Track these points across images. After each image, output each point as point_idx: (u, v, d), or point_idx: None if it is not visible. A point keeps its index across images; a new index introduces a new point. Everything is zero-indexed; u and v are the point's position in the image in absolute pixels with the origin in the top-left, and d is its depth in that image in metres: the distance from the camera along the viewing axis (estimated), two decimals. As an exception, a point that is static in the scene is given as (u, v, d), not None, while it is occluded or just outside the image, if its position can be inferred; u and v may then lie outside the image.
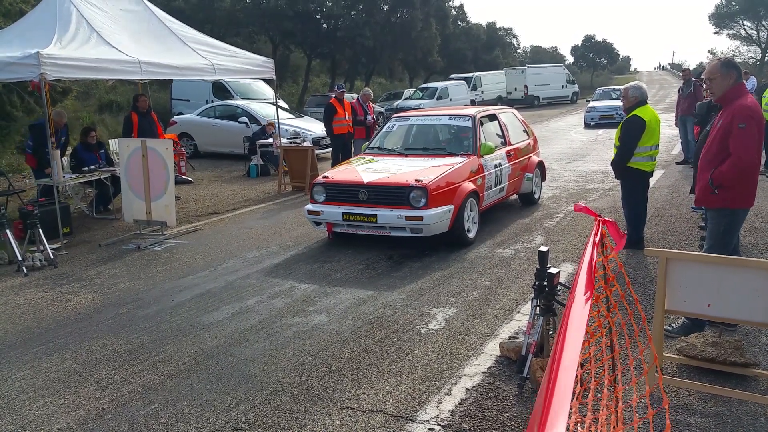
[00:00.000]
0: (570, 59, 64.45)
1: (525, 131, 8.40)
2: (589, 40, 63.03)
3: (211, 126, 14.54)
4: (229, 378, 3.67)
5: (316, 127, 13.79)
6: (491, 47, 47.29)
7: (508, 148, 7.52)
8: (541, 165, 8.45)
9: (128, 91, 21.32)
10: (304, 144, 11.21)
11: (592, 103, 21.28)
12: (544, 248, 3.54)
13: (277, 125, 11.55)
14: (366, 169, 6.47)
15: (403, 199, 5.88)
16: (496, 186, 7.06)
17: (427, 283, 5.24)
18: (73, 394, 3.57)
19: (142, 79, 9.66)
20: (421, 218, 5.78)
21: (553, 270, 3.59)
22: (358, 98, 11.18)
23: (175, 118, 15.60)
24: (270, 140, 12.04)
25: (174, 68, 8.87)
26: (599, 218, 3.32)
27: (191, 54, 9.27)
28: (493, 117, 7.68)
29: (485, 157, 6.78)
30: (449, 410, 3.22)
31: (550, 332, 3.52)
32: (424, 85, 28.95)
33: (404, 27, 31.31)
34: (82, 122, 16.06)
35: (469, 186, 6.32)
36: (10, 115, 12.47)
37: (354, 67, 33.89)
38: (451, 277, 5.37)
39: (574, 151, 14.09)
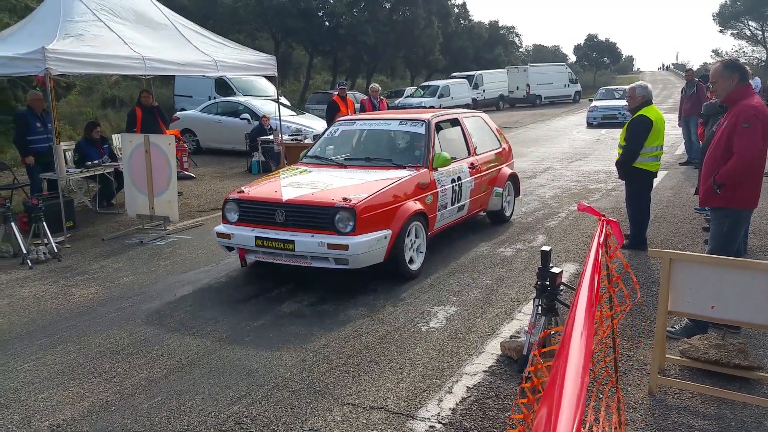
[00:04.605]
0: (572, 58, 64.39)
1: (496, 139, 7.39)
2: (591, 39, 62.96)
3: (213, 122, 14.56)
4: (231, 372, 3.68)
5: (317, 125, 13.80)
6: (493, 46, 47.21)
7: (471, 158, 6.46)
8: (513, 178, 7.38)
9: (131, 87, 21.35)
10: (306, 141, 11.23)
11: (594, 103, 21.27)
12: (546, 248, 3.55)
13: (278, 122, 11.56)
14: (291, 183, 5.35)
15: (327, 222, 4.81)
16: (453, 204, 6.01)
17: (428, 281, 5.26)
18: (77, 386, 3.59)
19: (145, 75, 9.69)
20: (345, 247, 4.66)
21: (555, 270, 3.60)
22: (369, 96, 11.18)
23: (178, 114, 15.60)
24: (271, 137, 12.06)
25: (177, 64, 8.88)
26: (603, 218, 3.34)
27: (194, 50, 9.28)
28: (455, 122, 6.63)
29: (440, 169, 5.74)
30: (450, 408, 3.24)
31: (552, 332, 3.53)
32: (426, 84, 28.96)
33: (406, 25, 31.28)
34: (86, 117, 16.07)
35: (415, 206, 5.26)
36: (14, 110, 12.48)
37: (356, 64, 33.87)
38: (452, 275, 5.38)
39: (577, 151, 14.09)
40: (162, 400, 3.40)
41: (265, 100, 15.50)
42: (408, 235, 5.21)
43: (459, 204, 6.13)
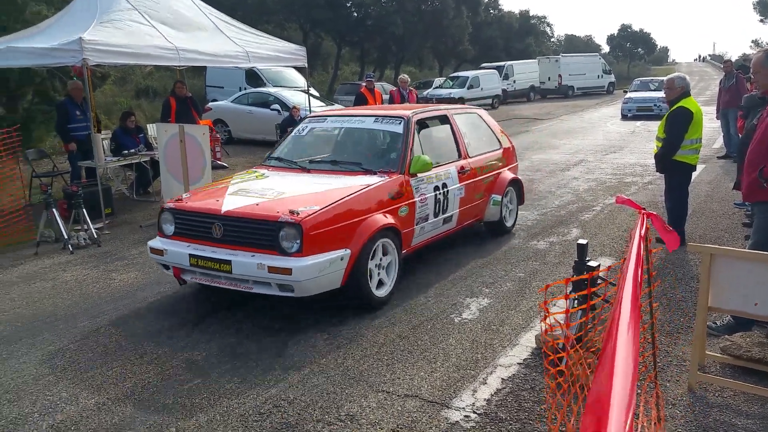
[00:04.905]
0: (605, 49, 63.21)
1: (495, 139, 6.47)
2: (625, 29, 61.66)
3: (244, 113, 14.71)
4: (267, 357, 3.75)
5: (347, 115, 13.83)
6: (524, 36, 46.54)
7: (462, 162, 5.64)
8: (516, 184, 6.48)
9: (164, 77, 21.67)
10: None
11: (629, 94, 20.83)
12: (583, 241, 3.51)
13: (308, 113, 11.62)
14: (239, 191, 4.60)
15: (271, 240, 4.02)
16: (437, 215, 5.22)
17: (460, 272, 5.25)
18: (120, 367, 3.71)
19: (179, 66, 9.83)
20: (288, 271, 3.88)
21: (593, 263, 3.56)
22: (398, 87, 11.15)
23: (210, 104, 15.81)
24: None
25: (210, 55, 9.00)
26: (643, 211, 3.29)
27: (226, 41, 9.38)
28: (443, 119, 5.82)
29: (419, 175, 4.96)
30: (485, 399, 3.25)
31: (589, 327, 3.50)
32: (455, 74, 28.71)
33: (435, 15, 31.03)
34: (120, 107, 16.40)
35: (383, 219, 4.46)
36: (53, 100, 12.80)
37: (383, 55, 33.78)
38: (484, 268, 5.37)
39: (611, 143, 13.85)
40: (202, 382, 3.49)
41: (295, 91, 15.60)
42: (373, 256, 4.40)
43: (445, 215, 5.33)
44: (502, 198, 6.12)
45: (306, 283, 3.98)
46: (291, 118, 12.49)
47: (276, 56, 10.25)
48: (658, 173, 6.07)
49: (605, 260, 5.38)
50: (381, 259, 4.54)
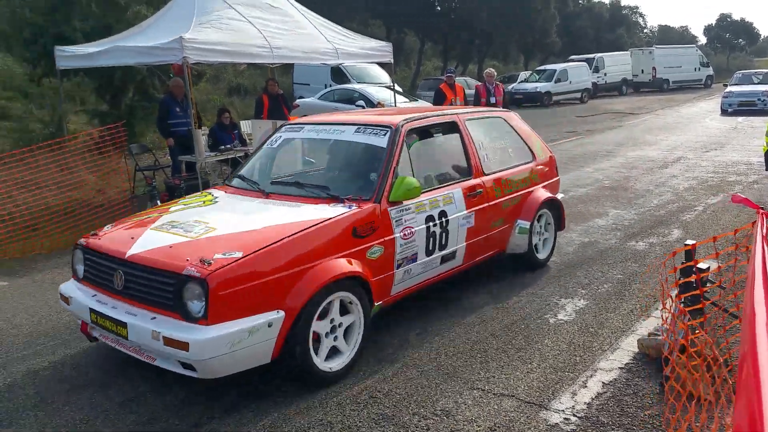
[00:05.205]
0: (702, 40, 59.33)
1: (526, 149, 5.21)
2: (724, 18, 57.62)
3: (330, 109, 15.01)
4: (361, 349, 3.81)
5: (431, 111, 13.81)
6: (615, 26, 44.53)
7: (472, 181, 4.43)
8: (553, 205, 5.23)
9: (254, 75, 22.52)
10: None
11: (730, 88, 19.47)
12: (690, 242, 3.34)
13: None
14: (166, 224, 3.62)
15: (173, 299, 3.02)
16: (431, 253, 4.04)
17: (552, 272, 5.11)
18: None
19: (272, 63, 10.18)
20: (185, 345, 2.87)
21: (702, 265, 3.37)
22: (484, 82, 10.96)
23: (297, 101, 16.28)
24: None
25: (301, 52, 9.25)
26: (762, 211, 3.06)
27: (318, 38, 9.60)
28: (451, 127, 4.60)
29: (405, 203, 3.81)
30: (585, 402, 3.15)
31: (696, 332, 3.31)
32: (542, 68, 27.90)
33: (522, 7, 30.29)
34: (214, 104, 17.22)
35: (338, 267, 3.36)
36: (152, 97, 13.64)
37: (467, 50, 33.40)
38: (578, 267, 5.19)
39: (711, 140, 12.99)
40: (299, 370, 3.60)
41: (379, 87, 15.75)
42: (323, 316, 3.36)
43: (444, 252, 4.15)
44: (532, 224, 4.94)
45: (211, 363, 2.92)
46: (376, 114, 12.68)
47: (364, 53, 10.39)
48: (766, 172, 5.62)
49: (710, 263, 5.04)
50: (334, 320, 3.43)
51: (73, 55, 9.13)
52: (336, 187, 3.94)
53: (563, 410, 3.09)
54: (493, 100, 10.53)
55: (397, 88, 15.48)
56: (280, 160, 4.68)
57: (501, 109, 6.19)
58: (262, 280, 3.07)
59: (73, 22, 12.28)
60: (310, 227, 3.38)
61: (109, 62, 8.71)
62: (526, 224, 4.90)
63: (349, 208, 3.62)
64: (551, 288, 4.76)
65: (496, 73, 11.49)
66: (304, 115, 15.75)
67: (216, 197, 4.18)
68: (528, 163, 5.14)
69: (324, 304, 3.33)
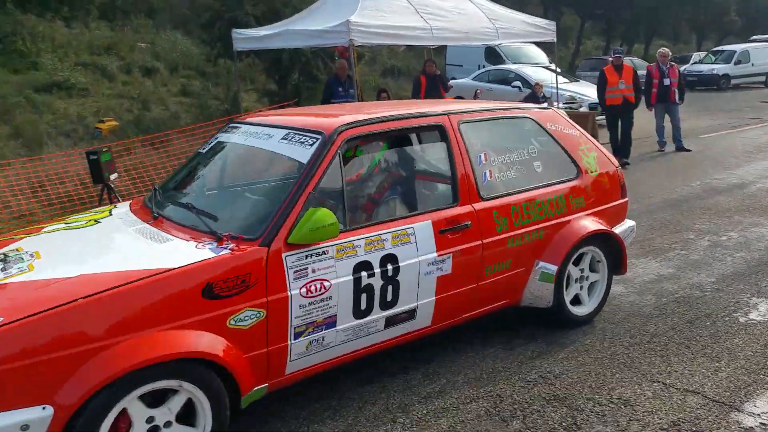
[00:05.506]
0: None
1: (568, 161, 3.77)
2: None
3: (484, 90, 14.83)
4: (532, 327, 3.79)
5: (591, 92, 13.04)
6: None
7: (454, 210, 3.20)
8: (603, 241, 3.80)
9: (408, 57, 22.92)
10: (581, 110, 10.73)
11: None
12: None
13: (555, 90, 11.27)
14: (11, 255, 2.82)
15: None
16: (366, 314, 2.90)
17: (740, 267, 4.66)
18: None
19: (432, 45, 10.29)
20: None
21: None
22: (657, 62, 10.07)
23: (451, 82, 16.29)
24: (545, 105, 11.82)
25: (461, 33, 9.23)
26: None
27: (480, 18, 9.50)
28: (434, 133, 3.36)
29: (316, 245, 2.70)
30: (787, 410, 2.86)
31: None
32: (718, 48, 25.01)
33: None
34: (370, 85, 17.85)
35: (166, 346, 2.34)
36: (316, 78, 14.48)
37: (631, 28, 30.96)
38: (772, 265, 4.68)
39: None
40: (470, 348, 3.67)
41: (537, 67, 15.23)
42: (141, 418, 2.35)
43: (389, 312, 2.98)
44: (563, 268, 3.59)
45: None
46: (534, 95, 12.25)
47: (525, 32, 10.13)
48: None
49: None
50: (168, 417, 2.42)
51: (248, 37, 9.96)
52: (226, 217, 2.93)
53: (760, 414, 2.84)
54: (667, 81, 9.74)
55: (554, 68, 14.88)
56: (205, 169, 3.58)
57: (531, 105, 4.61)
58: (22, 362, 2.12)
59: (246, 6, 13.41)
60: (130, 282, 2.35)
61: (281, 44, 9.39)
62: (552, 269, 3.53)
63: (220, 251, 2.57)
64: (741, 284, 4.35)
65: (670, 53, 10.52)
66: (458, 97, 15.75)
67: (104, 219, 3.24)
68: (568, 181, 3.71)
69: (119, 404, 2.26)
